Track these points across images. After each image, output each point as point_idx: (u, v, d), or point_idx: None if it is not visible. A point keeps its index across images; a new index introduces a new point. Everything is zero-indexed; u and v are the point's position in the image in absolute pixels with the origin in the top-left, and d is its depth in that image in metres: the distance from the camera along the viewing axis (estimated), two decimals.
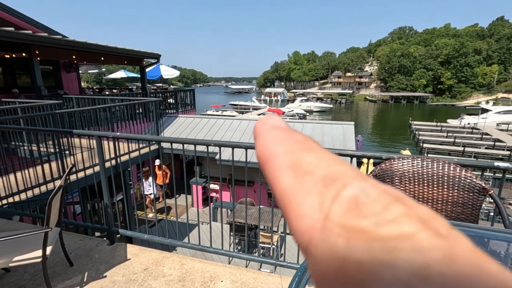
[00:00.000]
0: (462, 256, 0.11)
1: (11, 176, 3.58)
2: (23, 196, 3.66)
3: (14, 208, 3.54)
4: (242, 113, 30.89)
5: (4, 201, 3.49)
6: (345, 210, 0.12)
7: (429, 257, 0.11)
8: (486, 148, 21.26)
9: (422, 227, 0.11)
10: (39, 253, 2.00)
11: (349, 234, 0.12)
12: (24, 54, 7.03)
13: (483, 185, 1.49)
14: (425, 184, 1.58)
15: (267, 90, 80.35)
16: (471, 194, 1.51)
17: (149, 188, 8.95)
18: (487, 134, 23.77)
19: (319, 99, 67.44)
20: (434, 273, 0.10)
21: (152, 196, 8.77)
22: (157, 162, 9.09)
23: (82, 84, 14.32)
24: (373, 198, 0.12)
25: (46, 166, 3.93)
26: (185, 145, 2.62)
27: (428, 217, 0.12)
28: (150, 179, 8.83)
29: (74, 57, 8.82)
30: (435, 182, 1.56)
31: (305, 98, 58.08)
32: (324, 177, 0.14)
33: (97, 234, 4.75)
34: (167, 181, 9.79)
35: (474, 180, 1.51)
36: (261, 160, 0.16)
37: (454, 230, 0.12)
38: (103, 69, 21.00)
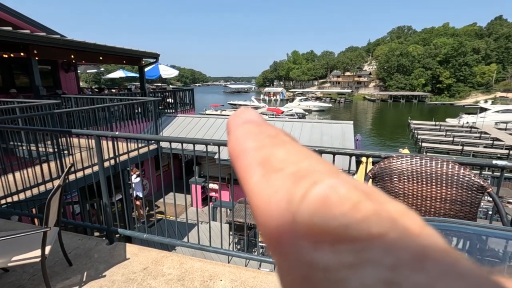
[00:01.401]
0: (433, 256, 0.10)
1: (10, 176, 3.58)
2: (22, 196, 3.65)
3: (13, 208, 3.54)
4: None
5: (3, 201, 3.48)
6: (313, 210, 0.11)
7: (398, 258, 0.10)
8: (484, 147, 21.35)
9: (392, 225, 0.11)
10: (38, 252, 2.00)
11: (317, 236, 0.11)
12: (22, 54, 7.01)
13: (482, 183, 1.50)
14: (424, 182, 1.59)
15: (266, 89, 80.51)
16: (469, 192, 1.51)
17: (137, 190, 8.26)
18: (485, 133, 23.87)
19: (318, 98, 67.53)
20: (402, 278, 0.10)
21: (139, 197, 8.24)
22: (137, 172, 8.16)
23: (81, 83, 14.29)
24: (342, 195, 0.11)
25: (44, 166, 3.92)
26: (184, 145, 2.62)
27: (399, 214, 0.11)
28: (138, 179, 8.10)
29: (72, 56, 8.79)
30: (433, 180, 1.57)
31: (304, 97, 58.22)
32: (293, 173, 0.13)
33: (96, 234, 4.75)
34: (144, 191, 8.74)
35: (473, 178, 1.52)
36: (232, 157, 0.16)
37: (427, 227, 0.11)
38: (102, 69, 20.94)
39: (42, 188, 3.87)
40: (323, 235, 0.11)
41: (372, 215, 0.11)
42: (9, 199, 3.53)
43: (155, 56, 10.74)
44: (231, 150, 0.16)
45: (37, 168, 3.83)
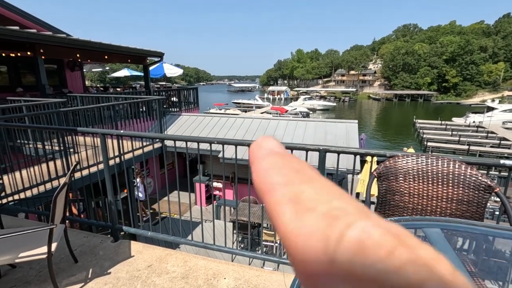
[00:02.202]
0: None
1: (17, 174, 3.62)
2: (28, 193, 3.70)
3: (20, 205, 3.58)
4: (245, 112, 30.86)
5: (10, 198, 3.53)
6: (351, 255, 0.12)
7: None
8: (491, 146, 21.05)
9: (429, 274, 0.11)
10: (44, 249, 2.02)
11: (357, 281, 0.12)
12: (28, 53, 7.08)
13: (489, 183, 1.48)
14: (430, 182, 1.57)
15: (270, 88, 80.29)
16: (476, 192, 1.49)
17: (138, 191, 7.84)
18: (492, 132, 23.52)
19: (322, 97, 67.11)
20: None
21: (140, 199, 7.83)
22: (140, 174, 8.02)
23: (86, 82, 14.40)
24: (377, 240, 0.12)
25: (51, 163, 3.97)
26: (189, 143, 2.62)
27: (433, 261, 0.12)
28: (138, 180, 7.79)
29: (78, 55, 8.86)
30: (439, 180, 1.55)
31: (308, 96, 58.01)
32: (325, 214, 0.14)
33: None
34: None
35: (480, 178, 1.50)
36: (260, 191, 0.16)
37: (458, 274, 0.12)
38: (107, 68, 21.07)
39: (48, 185, 3.91)
40: (363, 281, 0.11)
41: (408, 262, 0.11)
42: (16, 197, 3.58)
43: (160, 55, 10.78)
44: (259, 183, 0.16)
45: (44, 166, 3.88)
